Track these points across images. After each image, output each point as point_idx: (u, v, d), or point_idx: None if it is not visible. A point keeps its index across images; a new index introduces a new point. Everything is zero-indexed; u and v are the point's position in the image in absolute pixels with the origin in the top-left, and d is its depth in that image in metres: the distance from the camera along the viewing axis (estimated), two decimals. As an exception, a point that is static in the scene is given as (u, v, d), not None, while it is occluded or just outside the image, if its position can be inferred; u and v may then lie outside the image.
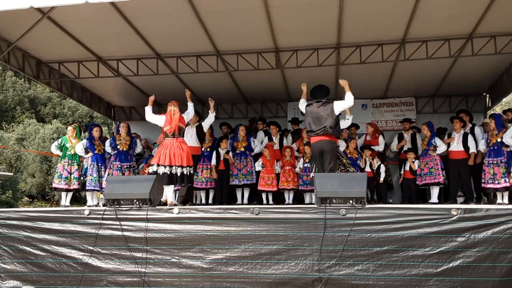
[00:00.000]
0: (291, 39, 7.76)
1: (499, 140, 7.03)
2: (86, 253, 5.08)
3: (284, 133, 9.46)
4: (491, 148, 7.12)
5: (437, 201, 7.78)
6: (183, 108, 6.62)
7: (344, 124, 6.73)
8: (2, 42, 7.57)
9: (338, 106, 6.36)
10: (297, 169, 8.16)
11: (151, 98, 6.74)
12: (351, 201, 4.83)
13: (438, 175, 7.74)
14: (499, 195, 7.11)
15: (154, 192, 5.29)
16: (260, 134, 9.22)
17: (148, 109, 6.60)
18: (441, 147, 7.89)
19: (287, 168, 8.14)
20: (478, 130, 8.17)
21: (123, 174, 7.64)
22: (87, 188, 7.68)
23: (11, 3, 5.37)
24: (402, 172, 8.49)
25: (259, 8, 6.60)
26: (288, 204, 7.92)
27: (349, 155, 8.07)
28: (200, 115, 8.46)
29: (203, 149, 8.11)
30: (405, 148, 8.71)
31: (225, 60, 8.43)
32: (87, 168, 7.77)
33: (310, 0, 6.48)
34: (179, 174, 6.09)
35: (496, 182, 6.92)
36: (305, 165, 8.04)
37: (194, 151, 7.44)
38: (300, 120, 9.36)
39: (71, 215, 5.25)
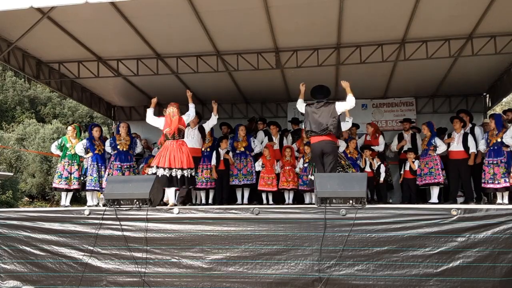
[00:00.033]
0: (291, 39, 7.76)
1: (499, 140, 7.02)
2: (86, 253, 5.08)
3: (284, 133, 9.45)
4: (491, 148, 7.12)
5: (437, 201, 7.78)
6: (183, 109, 6.59)
7: (344, 126, 6.73)
8: (2, 42, 7.57)
9: (340, 107, 6.34)
10: (297, 169, 8.16)
11: (154, 101, 6.61)
12: (351, 201, 4.83)
13: (438, 175, 7.74)
14: (499, 195, 7.11)
15: (154, 192, 5.29)
16: (260, 134, 9.21)
17: (150, 112, 6.52)
18: (441, 147, 7.89)
19: (287, 168, 8.14)
20: (478, 130, 8.17)
21: (123, 174, 7.63)
22: (87, 188, 7.68)
23: (11, 3, 5.37)
24: (402, 172, 8.50)
25: (259, 8, 6.60)
26: (288, 204, 7.92)
27: (349, 155, 8.06)
28: (200, 115, 8.45)
29: (203, 149, 8.10)
30: (405, 148, 8.72)
31: (225, 60, 8.44)
32: (87, 168, 7.76)
33: (310, 0, 6.48)
34: (179, 177, 6.08)
35: (496, 182, 6.91)
36: (305, 165, 8.02)
37: (197, 153, 7.44)
38: (300, 120, 9.34)
39: (71, 215, 5.25)
